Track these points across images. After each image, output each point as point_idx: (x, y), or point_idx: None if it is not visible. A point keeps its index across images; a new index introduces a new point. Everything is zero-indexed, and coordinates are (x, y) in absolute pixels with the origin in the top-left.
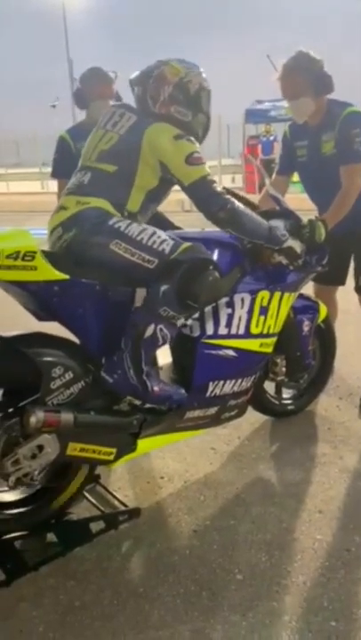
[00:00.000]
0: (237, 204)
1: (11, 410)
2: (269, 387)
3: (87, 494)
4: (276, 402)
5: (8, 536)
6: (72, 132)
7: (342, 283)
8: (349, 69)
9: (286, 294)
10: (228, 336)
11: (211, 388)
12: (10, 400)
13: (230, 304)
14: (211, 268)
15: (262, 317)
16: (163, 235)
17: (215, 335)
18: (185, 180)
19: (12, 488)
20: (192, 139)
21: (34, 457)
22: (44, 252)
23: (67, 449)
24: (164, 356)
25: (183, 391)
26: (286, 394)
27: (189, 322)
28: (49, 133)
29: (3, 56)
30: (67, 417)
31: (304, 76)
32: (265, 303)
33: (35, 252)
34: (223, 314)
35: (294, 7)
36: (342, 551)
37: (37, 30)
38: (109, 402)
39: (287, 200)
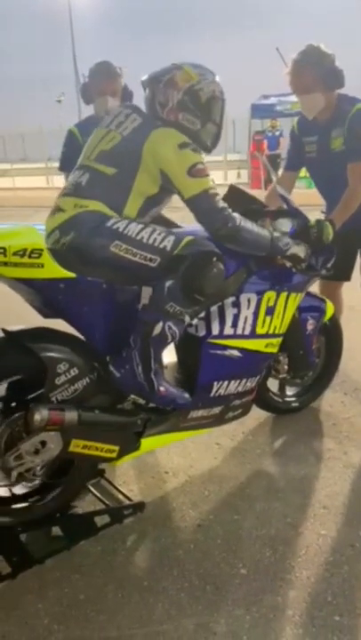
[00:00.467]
0: (239, 219)
1: (14, 404)
2: (273, 384)
3: (92, 488)
4: (280, 399)
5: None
6: (80, 126)
7: (348, 278)
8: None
9: (293, 295)
10: (234, 336)
11: (215, 388)
12: (14, 394)
13: (236, 304)
14: (215, 259)
15: (268, 318)
16: (163, 231)
17: (221, 335)
18: (185, 193)
19: (14, 483)
20: (197, 148)
21: (36, 452)
22: (49, 249)
23: (69, 446)
24: (168, 355)
25: (187, 396)
26: (290, 391)
27: (195, 321)
28: (54, 128)
29: (9, 52)
30: (71, 415)
31: (315, 70)
32: (271, 304)
33: (42, 250)
34: (229, 314)
35: (302, 1)
36: (346, 547)
37: (43, 27)
38: (113, 400)
39: (294, 195)
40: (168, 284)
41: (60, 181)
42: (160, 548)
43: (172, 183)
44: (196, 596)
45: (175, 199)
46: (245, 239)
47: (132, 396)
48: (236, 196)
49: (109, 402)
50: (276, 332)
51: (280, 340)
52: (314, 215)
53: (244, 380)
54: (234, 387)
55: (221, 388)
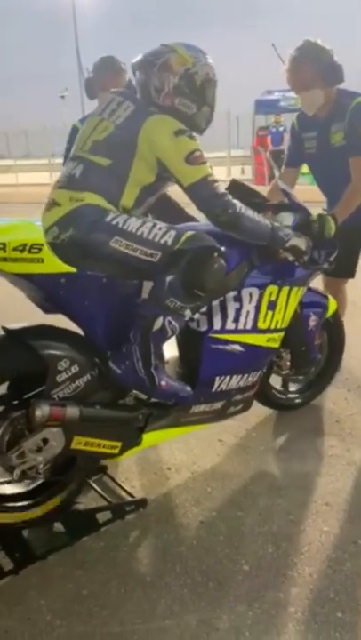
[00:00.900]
0: (239, 206)
1: (16, 402)
2: (275, 380)
3: (94, 485)
4: (282, 396)
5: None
6: (84, 121)
7: (352, 275)
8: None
9: (295, 289)
10: (236, 331)
11: (217, 383)
12: (15, 392)
13: (238, 298)
14: (216, 254)
15: (270, 312)
16: (164, 226)
17: (222, 330)
18: (184, 181)
19: (17, 481)
20: (193, 134)
21: (39, 450)
22: (49, 243)
23: (72, 442)
24: (170, 350)
25: (189, 389)
26: (292, 387)
27: (197, 316)
28: (58, 124)
29: (11, 48)
30: (72, 411)
31: (313, 66)
32: (273, 298)
33: (41, 245)
34: (231, 308)
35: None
36: (349, 543)
37: (46, 23)
38: (115, 396)
39: (297, 192)
40: (169, 279)
41: None
42: (163, 545)
43: (170, 172)
44: (198, 592)
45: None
46: (246, 226)
47: (134, 392)
48: (237, 189)
49: (111, 397)
50: (278, 326)
51: (282, 334)
52: (316, 211)
53: (245, 375)
54: (236, 381)
55: (223, 382)
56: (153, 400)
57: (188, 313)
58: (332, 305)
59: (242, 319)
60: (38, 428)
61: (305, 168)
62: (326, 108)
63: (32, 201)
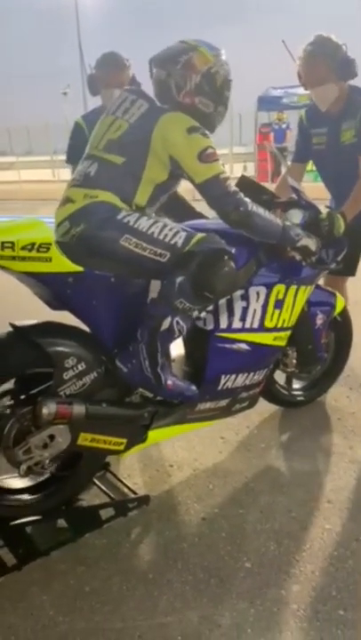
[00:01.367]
0: (251, 204)
1: (23, 397)
2: (280, 376)
3: (97, 481)
4: (286, 392)
5: (20, 521)
6: (87, 118)
7: (353, 273)
8: None
9: (302, 288)
10: (242, 330)
11: (223, 381)
12: (22, 388)
13: (245, 297)
14: (226, 257)
15: (277, 311)
16: (175, 227)
17: (229, 329)
18: (196, 178)
19: (23, 476)
20: (206, 132)
21: (45, 446)
22: (57, 242)
23: (78, 439)
24: (176, 348)
25: (195, 388)
26: (297, 384)
27: (203, 315)
28: (60, 121)
29: (14, 45)
30: (79, 409)
31: (327, 61)
32: (280, 297)
33: (50, 244)
34: (238, 307)
35: None
36: (351, 541)
37: (49, 20)
38: (121, 393)
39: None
40: (179, 280)
41: (66, 174)
42: (165, 541)
43: (182, 169)
44: (200, 588)
45: (183, 187)
46: (257, 224)
47: (140, 390)
48: (246, 186)
49: (117, 395)
50: (285, 325)
51: (289, 333)
52: (322, 209)
53: (251, 374)
54: (241, 380)
55: (229, 381)
56: (159, 398)
57: (195, 313)
58: (340, 303)
59: (249, 318)
60: (45, 425)
61: (309, 165)
62: (338, 105)
63: (35, 198)
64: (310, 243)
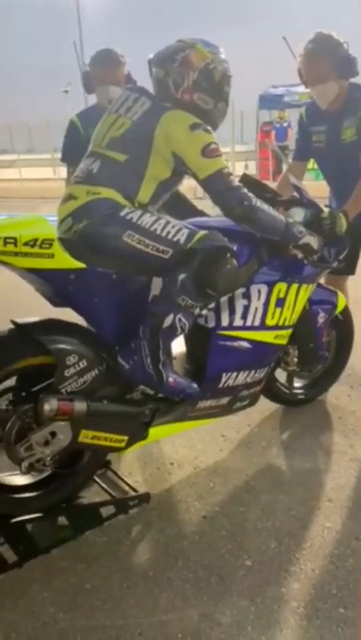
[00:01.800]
0: (255, 199)
1: (24, 394)
2: (281, 374)
3: (98, 479)
4: (287, 390)
5: (21, 518)
6: (82, 116)
7: (352, 272)
8: None
9: (304, 286)
10: (244, 327)
11: (224, 379)
12: (24, 385)
13: (247, 295)
14: (228, 255)
15: (279, 309)
16: (177, 224)
17: (230, 326)
18: (200, 173)
19: (25, 473)
20: (209, 128)
21: (46, 443)
22: (59, 238)
23: (79, 436)
24: (177, 345)
25: (196, 386)
26: (297, 383)
27: (205, 312)
28: (61, 119)
29: (15, 42)
30: (80, 406)
31: (328, 59)
32: (282, 295)
33: (52, 240)
34: (239, 305)
35: None
36: (351, 539)
37: (50, 16)
38: (122, 390)
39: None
40: (181, 277)
41: (65, 172)
42: (165, 539)
43: (185, 165)
44: (200, 586)
45: (184, 185)
46: (260, 219)
47: (141, 387)
48: (249, 184)
49: (118, 392)
50: (286, 323)
51: (290, 331)
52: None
53: (252, 372)
54: (243, 378)
55: (230, 378)
56: (160, 395)
57: (197, 310)
58: (342, 302)
59: (250, 316)
60: (46, 422)
61: (310, 163)
62: (338, 102)
63: (36, 196)
64: (313, 240)
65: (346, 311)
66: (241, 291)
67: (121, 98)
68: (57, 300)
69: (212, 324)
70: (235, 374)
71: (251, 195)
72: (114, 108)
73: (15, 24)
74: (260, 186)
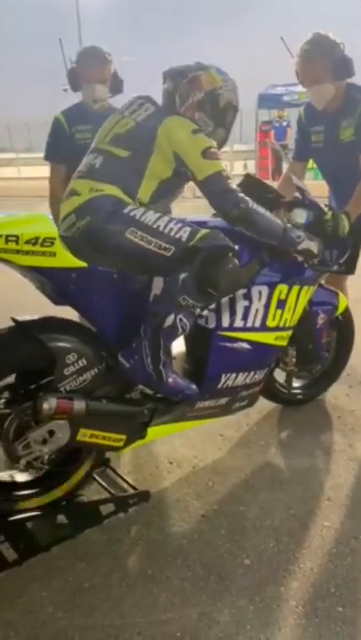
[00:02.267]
0: (252, 202)
1: (23, 392)
2: (279, 374)
3: (97, 477)
4: (285, 390)
5: (21, 516)
6: (67, 114)
7: (352, 272)
8: None
9: (305, 288)
10: (244, 329)
11: (223, 380)
12: (22, 383)
13: (248, 296)
14: (230, 254)
15: (279, 311)
16: (180, 222)
17: (231, 327)
18: (199, 174)
19: (22, 471)
20: (209, 135)
21: (44, 442)
22: (61, 236)
23: (77, 435)
24: (177, 346)
25: (195, 387)
26: (296, 383)
27: (205, 313)
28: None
29: (14, 41)
30: (79, 405)
31: (325, 60)
32: (283, 296)
33: (54, 238)
34: (240, 306)
35: None
36: (350, 538)
37: (50, 15)
38: (121, 390)
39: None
40: (182, 276)
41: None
42: (164, 538)
43: (185, 165)
44: (199, 585)
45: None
46: (257, 222)
47: (140, 386)
48: (251, 184)
49: (117, 392)
50: (287, 325)
51: (290, 333)
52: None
53: (252, 373)
54: (242, 379)
55: (230, 379)
56: (159, 395)
57: (198, 311)
58: (343, 303)
59: (251, 317)
60: (45, 421)
61: (309, 163)
62: (336, 103)
63: (34, 194)
64: (312, 245)
65: (347, 312)
66: (242, 292)
67: (127, 103)
68: (58, 298)
69: (212, 325)
70: (234, 375)
71: (248, 198)
72: (119, 111)
73: (14, 23)
74: (263, 186)
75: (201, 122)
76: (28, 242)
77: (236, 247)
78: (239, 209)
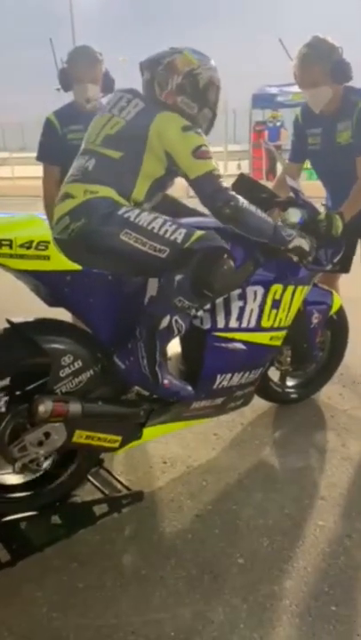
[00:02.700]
0: (242, 200)
1: (18, 393)
2: (274, 374)
3: (91, 477)
4: (279, 389)
5: (14, 517)
6: (59, 114)
7: (347, 271)
8: None
9: (300, 288)
10: (239, 329)
11: (218, 380)
12: (17, 385)
13: (242, 297)
14: (225, 256)
15: (274, 311)
16: (175, 223)
17: (226, 328)
18: (190, 174)
19: (18, 473)
20: (200, 131)
21: (40, 444)
22: (55, 239)
23: (73, 436)
24: (172, 347)
25: (190, 388)
26: (290, 382)
27: (200, 313)
28: None
29: (10, 39)
30: (75, 407)
31: (322, 64)
32: (278, 297)
33: (48, 242)
34: (235, 306)
35: None
36: (343, 537)
37: (44, 14)
38: (117, 391)
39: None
40: (178, 278)
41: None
42: (158, 538)
43: (177, 164)
44: (193, 585)
45: (177, 184)
46: (248, 220)
47: (136, 388)
48: (246, 184)
49: (113, 393)
50: (282, 325)
51: (285, 333)
52: (319, 208)
53: (247, 373)
54: (237, 379)
55: (225, 380)
56: (154, 396)
57: (194, 312)
58: (337, 302)
59: (246, 317)
60: (40, 423)
61: (305, 163)
62: (333, 106)
63: (28, 194)
64: (303, 243)
65: (340, 311)
66: (237, 292)
67: (114, 98)
68: (53, 301)
69: (207, 326)
70: (229, 375)
71: (238, 196)
72: (107, 108)
73: (5, 21)
74: (258, 186)
75: (184, 105)
76: (21, 246)
77: (231, 248)
78: (230, 207)
